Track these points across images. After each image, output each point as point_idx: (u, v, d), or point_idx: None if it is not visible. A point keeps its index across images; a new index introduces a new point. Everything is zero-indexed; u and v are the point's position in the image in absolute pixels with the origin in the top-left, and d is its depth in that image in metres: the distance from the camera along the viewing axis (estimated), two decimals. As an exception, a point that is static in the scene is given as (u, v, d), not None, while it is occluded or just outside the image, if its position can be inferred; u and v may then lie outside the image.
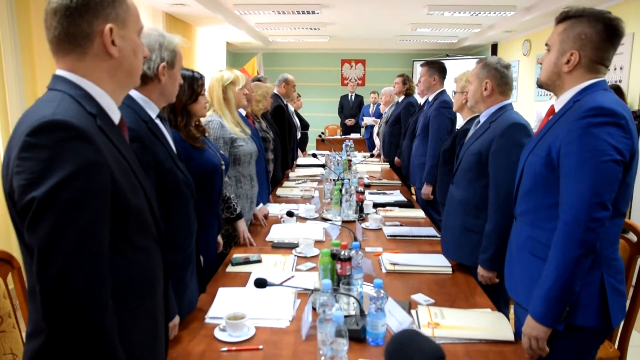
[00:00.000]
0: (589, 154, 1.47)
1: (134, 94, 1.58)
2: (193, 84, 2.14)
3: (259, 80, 4.27)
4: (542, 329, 1.54)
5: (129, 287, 1.08)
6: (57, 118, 0.94)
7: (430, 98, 4.29)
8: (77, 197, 0.92)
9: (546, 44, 1.71)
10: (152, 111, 1.62)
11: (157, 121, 1.64)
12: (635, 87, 5.36)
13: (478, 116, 2.49)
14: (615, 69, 5.75)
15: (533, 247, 1.68)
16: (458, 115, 3.60)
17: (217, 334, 1.73)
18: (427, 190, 3.96)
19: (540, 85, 1.75)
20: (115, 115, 1.12)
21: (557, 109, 1.68)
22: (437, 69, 4.29)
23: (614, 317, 1.56)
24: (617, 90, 5.28)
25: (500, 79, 2.32)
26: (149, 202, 1.14)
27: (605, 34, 1.58)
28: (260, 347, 1.66)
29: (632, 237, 2.18)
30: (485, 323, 1.80)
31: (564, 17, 1.64)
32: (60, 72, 1.07)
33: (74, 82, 1.06)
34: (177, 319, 1.63)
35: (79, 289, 0.92)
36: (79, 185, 0.93)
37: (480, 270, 2.23)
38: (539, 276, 1.58)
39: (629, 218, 4.46)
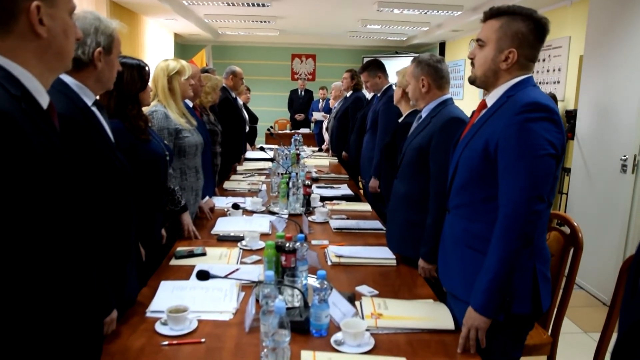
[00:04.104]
0: (527, 149, 1.51)
1: (68, 79, 1.51)
2: (141, 72, 2.11)
3: (206, 72, 4.20)
4: (484, 320, 1.57)
5: (56, 281, 1.02)
6: None
7: (379, 93, 4.36)
8: None
9: (479, 39, 1.72)
10: (88, 98, 1.56)
11: (94, 109, 1.58)
12: (571, 87, 5.61)
13: (418, 110, 2.53)
14: (554, 70, 6.00)
15: (469, 240, 1.71)
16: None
17: (158, 328, 1.69)
18: (374, 183, 4.02)
19: (472, 80, 1.76)
20: (44, 100, 1.05)
21: (489, 104, 1.71)
22: (376, 67, 4.39)
23: (544, 303, 1.63)
24: (553, 98, 5.54)
25: (435, 74, 2.37)
26: (80, 190, 1.09)
27: (537, 32, 1.63)
28: (203, 340, 1.63)
29: (566, 229, 2.28)
30: (427, 313, 1.84)
31: (496, 14, 1.66)
32: None
33: None
34: (114, 314, 1.58)
35: None
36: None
37: (421, 263, 2.27)
38: (476, 268, 1.61)
39: (565, 212, 4.67)
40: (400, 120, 3.18)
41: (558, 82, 5.90)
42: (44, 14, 1.00)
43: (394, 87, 3.88)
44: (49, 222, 0.97)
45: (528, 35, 1.62)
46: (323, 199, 3.54)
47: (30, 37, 1.00)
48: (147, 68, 2.15)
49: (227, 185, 4.08)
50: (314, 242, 2.64)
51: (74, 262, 1.04)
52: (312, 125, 8.78)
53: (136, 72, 2.08)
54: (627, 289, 0.88)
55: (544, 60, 6.19)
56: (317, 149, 6.71)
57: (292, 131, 8.84)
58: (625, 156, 3.82)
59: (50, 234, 0.97)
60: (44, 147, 0.96)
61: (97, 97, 1.64)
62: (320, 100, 8.94)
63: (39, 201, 0.94)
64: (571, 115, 5.23)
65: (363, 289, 2.08)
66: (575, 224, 2.22)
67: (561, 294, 2.26)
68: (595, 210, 4.18)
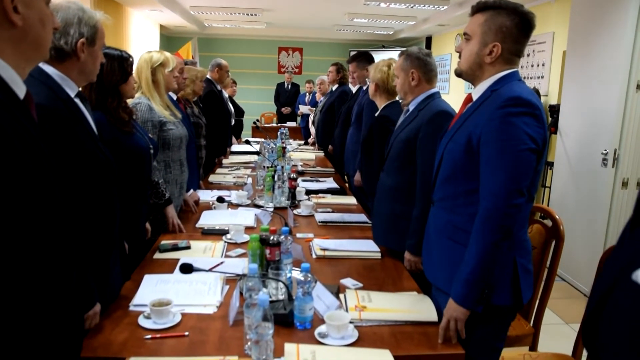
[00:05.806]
0: (508, 143, 1.53)
1: (50, 70, 1.49)
2: (123, 64, 2.08)
3: (185, 64, 4.16)
4: (462, 311, 1.60)
5: (33, 275, 1.01)
6: None
7: (365, 87, 4.36)
8: None
9: (465, 33, 1.74)
10: (71, 90, 1.54)
11: (77, 101, 1.56)
12: (555, 82, 5.66)
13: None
14: (538, 65, 6.05)
15: (451, 232, 1.73)
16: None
17: (142, 321, 1.68)
18: (359, 177, 4.02)
19: (459, 74, 1.78)
20: (20, 90, 1.02)
21: (474, 98, 1.73)
22: (366, 60, 4.39)
23: (525, 295, 1.65)
24: (536, 93, 5.59)
25: (424, 67, 2.38)
26: (59, 183, 1.07)
27: (522, 26, 1.64)
28: (186, 333, 1.63)
29: (549, 222, 2.31)
30: (410, 305, 1.86)
31: (483, 8, 1.68)
32: None
33: None
34: (97, 307, 1.57)
35: None
36: None
37: (407, 255, 2.28)
38: (457, 260, 1.63)
39: (547, 205, 4.73)
40: (376, 114, 3.19)
41: (542, 77, 5.95)
42: (19, 2, 0.97)
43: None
44: (25, 214, 0.94)
45: (512, 29, 1.63)
46: (308, 192, 3.55)
47: (5, 26, 0.97)
48: (130, 59, 2.12)
49: (212, 178, 4.07)
50: (298, 235, 2.64)
51: (52, 255, 1.03)
52: (299, 118, 8.76)
53: (117, 64, 2.05)
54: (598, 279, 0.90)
55: (528, 55, 6.23)
56: (303, 142, 6.70)
57: (279, 124, 8.81)
58: (606, 150, 3.88)
59: (26, 225, 0.95)
60: (20, 137, 0.94)
61: (80, 89, 1.62)
62: (307, 94, 8.92)
63: (15, 193, 0.91)
64: (554, 109, 5.28)
65: (347, 281, 2.09)
66: (557, 216, 2.25)
67: (543, 286, 2.29)
68: (576, 203, 4.23)
